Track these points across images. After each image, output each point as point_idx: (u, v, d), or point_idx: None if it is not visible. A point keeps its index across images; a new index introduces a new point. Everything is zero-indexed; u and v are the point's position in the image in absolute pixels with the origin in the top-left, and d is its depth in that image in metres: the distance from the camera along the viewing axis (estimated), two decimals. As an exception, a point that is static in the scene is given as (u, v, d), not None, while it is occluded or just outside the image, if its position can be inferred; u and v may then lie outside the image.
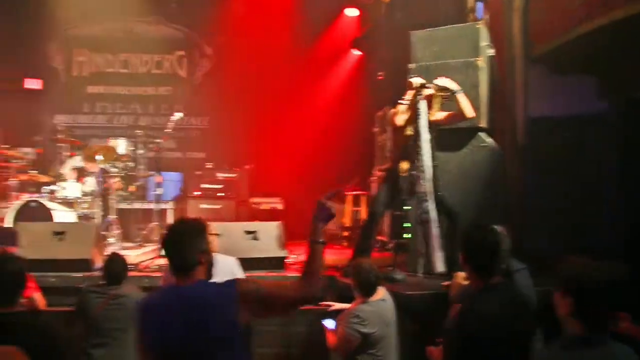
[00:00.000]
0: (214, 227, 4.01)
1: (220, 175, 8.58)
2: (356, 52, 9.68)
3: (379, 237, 6.53)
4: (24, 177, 7.48)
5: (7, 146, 7.34)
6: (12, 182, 7.29)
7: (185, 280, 2.14)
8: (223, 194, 8.28)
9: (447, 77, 4.60)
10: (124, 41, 9.82)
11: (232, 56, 9.46)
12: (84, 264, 4.84)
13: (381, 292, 3.53)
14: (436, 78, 4.60)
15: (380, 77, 8.24)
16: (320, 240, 2.15)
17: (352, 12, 9.66)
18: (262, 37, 9.09)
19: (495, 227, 2.57)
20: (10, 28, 9.11)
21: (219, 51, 9.90)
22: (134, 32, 9.84)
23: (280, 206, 8.65)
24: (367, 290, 3.47)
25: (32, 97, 9.52)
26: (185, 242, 2.16)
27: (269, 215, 8.14)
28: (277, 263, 5.27)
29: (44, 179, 7.52)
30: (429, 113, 4.50)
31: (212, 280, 2.23)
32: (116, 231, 7.10)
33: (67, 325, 3.89)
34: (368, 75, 9.11)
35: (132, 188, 7.85)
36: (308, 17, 9.22)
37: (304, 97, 9.13)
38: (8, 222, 6.32)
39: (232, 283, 2.14)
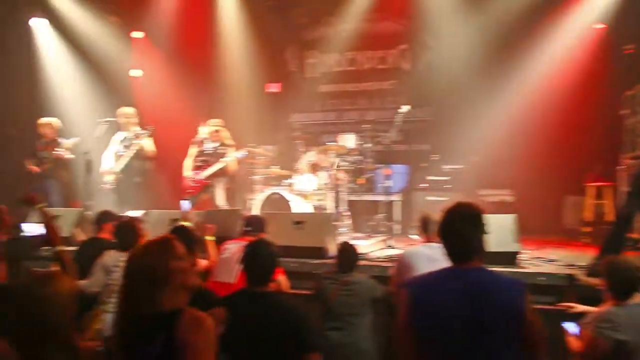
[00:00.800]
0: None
1: (446, 167, 8.42)
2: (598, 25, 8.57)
3: (631, 235, 5.71)
4: (267, 172, 8.31)
5: (252, 144, 8.20)
6: (257, 176, 8.15)
7: (465, 265, 2.09)
8: (449, 186, 8.11)
9: None
10: (350, 40, 10.23)
11: (454, 44, 9.16)
12: (320, 252, 5.13)
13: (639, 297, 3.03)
14: None
15: (628, 51, 7.20)
16: None
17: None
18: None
19: None
20: (257, 40, 10.21)
21: (442, 41, 9.66)
22: (359, 31, 10.19)
23: (510, 198, 8.15)
24: (623, 292, 3.00)
25: (272, 99, 10.55)
26: (467, 227, 2.11)
27: (498, 208, 7.72)
28: (508, 258, 4.94)
29: (283, 173, 8.25)
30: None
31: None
32: (347, 222, 7.45)
33: (306, 307, 4.16)
34: (613, 49, 8.01)
35: (360, 181, 8.15)
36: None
37: (536, 79, 8.35)
38: (255, 212, 7.10)
39: (521, 283, 2.11)
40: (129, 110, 7.31)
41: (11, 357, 1.28)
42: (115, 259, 3.71)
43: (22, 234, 3.45)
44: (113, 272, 3.63)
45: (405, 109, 6.51)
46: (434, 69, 9.67)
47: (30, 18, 9.37)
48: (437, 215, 3.87)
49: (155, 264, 2.01)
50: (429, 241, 3.86)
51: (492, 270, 2.14)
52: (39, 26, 9.50)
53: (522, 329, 2.02)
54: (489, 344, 2.00)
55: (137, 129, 7.21)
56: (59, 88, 8.97)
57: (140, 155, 7.12)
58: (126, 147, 7.12)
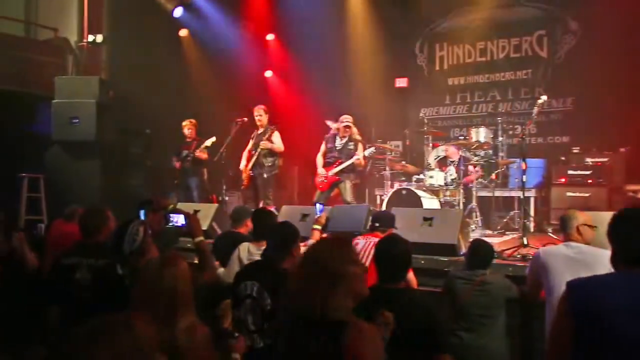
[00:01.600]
0: (589, 217, 3.66)
1: (590, 160, 7.80)
2: None
3: None
4: (395, 167, 8.31)
5: (381, 140, 8.24)
6: (386, 172, 8.18)
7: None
8: (592, 181, 7.51)
9: None
10: (482, 29, 9.86)
11: (600, 28, 8.43)
12: (450, 249, 5.01)
13: None
14: None
15: None
16: None
17: None
18: (634, 3, 7.84)
19: None
20: (384, 36, 10.23)
21: (586, 24, 8.95)
22: (492, 19, 9.78)
23: (664, 195, 7.37)
24: None
25: (400, 94, 10.50)
26: None
27: (650, 204, 7.02)
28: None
29: (412, 168, 8.19)
30: None
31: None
32: (477, 218, 7.22)
33: (436, 305, 4.11)
34: None
35: (492, 176, 7.86)
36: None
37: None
38: (384, 208, 7.14)
39: None
40: (260, 108, 7.61)
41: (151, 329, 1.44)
42: (249, 251, 3.91)
43: (169, 224, 3.78)
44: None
45: (543, 99, 6.12)
46: (575, 54, 9.00)
47: (179, 30, 10.21)
48: (578, 213, 3.66)
49: (336, 266, 1.98)
50: (568, 240, 3.63)
51: None
52: (184, 34, 10.33)
53: None
54: None
55: (268, 127, 7.52)
56: (198, 89, 9.65)
57: (270, 152, 7.43)
58: (256, 145, 7.47)
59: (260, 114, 7.55)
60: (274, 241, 3.17)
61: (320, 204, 4.90)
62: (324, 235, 4.92)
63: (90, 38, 8.82)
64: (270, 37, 11.30)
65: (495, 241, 6.21)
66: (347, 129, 7.17)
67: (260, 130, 7.55)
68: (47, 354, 3.13)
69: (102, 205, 4.15)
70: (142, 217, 3.71)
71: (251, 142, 7.60)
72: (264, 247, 3.53)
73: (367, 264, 3.75)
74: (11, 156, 7.78)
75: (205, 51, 10.08)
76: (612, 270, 3.19)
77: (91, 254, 3.28)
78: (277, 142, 7.44)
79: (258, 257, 3.51)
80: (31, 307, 3.41)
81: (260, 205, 7.00)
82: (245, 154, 7.62)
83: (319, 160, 7.38)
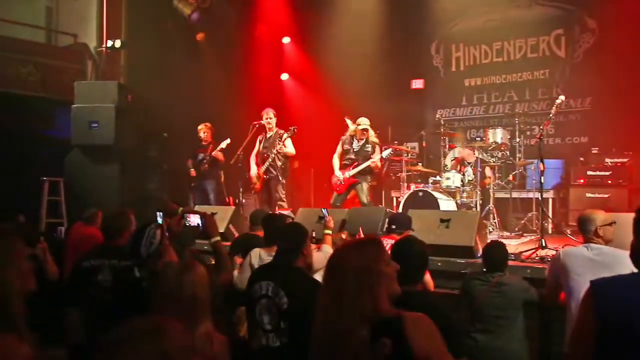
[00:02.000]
0: (609, 216, 3.63)
1: (609, 160, 7.70)
2: None
3: None
4: (412, 169, 8.29)
5: (397, 142, 8.23)
6: (402, 174, 8.16)
7: None
8: (612, 182, 7.42)
9: None
10: (498, 30, 9.81)
11: (619, 26, 8.32)
12: (467, 251, 4.99)
13: None
14: None
15: None
16: None
17: None
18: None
19: None
20: (400, 37, 10.22)
21: (604, 23, 8.83)
22: (509, 19, 9.72)
23: (687, 195, 7.25)
24: None
25: (416, 95, 10.47)
26: None
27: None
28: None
29: (428, 170, 8.17)
30: None
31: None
32: (494, 220, 7.18)
33: (453, 307, 4.09)
34: None
35: (510, 177, 7.81)
36: None
37: None
38: (400, 209, 7.12)
39: None
40: (270, 111, 7.60)
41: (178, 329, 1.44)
42: (260, 257, 3.92)
43: (186, 223, 3.82)
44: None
45: (561, 99, 6.07)
46: (594, 53, 8.90)
47: (196, 34, 10.31)
48: (597, 213, 3.62)
49: (371, 266, 1.96)
50: (588, 242, 3.59)
51: None
52: (201, 38, 10.42)
53: None
54: None
55: (281, 130, 7.51)
56: (215, 93, 9.72)
57: (282, 155, 7.43)
58: (266, 148, 7.48)
59: (270, 117, 7.54)
60: (285, 242, 3.20)
61: (324, 208, 4.89)
62: (344, 235, 4.93)
63: (109, 43, 8.94)
64: (286, 40, 11.35)
65: (513, 243, 6.18)
66: (364, 132, 7.17)
67: (270, 134, 7.54)
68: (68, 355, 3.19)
69: (122, 208, 4.20)
70: (160, 220, 3.76)
71: (258, 146, 7.58)
72: (274, 253, 3.56)
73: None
74: (32, 160, 7.92)
75: (222, 55, 10.15)
76: (634, 269, 3.16)
77: (114, 255, 3.33)
78: (290, 145, 7.44)
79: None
80: (52, 309, 3.47)
81: (276, 209, 7.02)
82: (253, 158, 7.61)
83: (336, 161, 7.39)
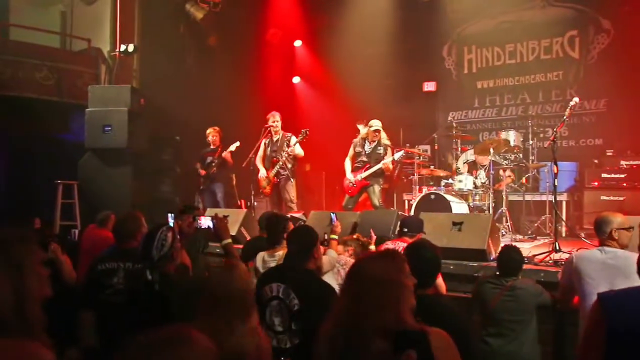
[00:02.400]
0: (626, 220, 3.58)
1: (624, 163, 7.61)
2: None
3: None
4: (424, 171, 8.25)
5: (408, 145, 8.20)
6: (414, 176, 8.13)
7: None
8: (627, 184, 7.33)
9: None
10: (511, 31, 9.75)
11: (634, 27, 8.23)
12: (480, 254, 4.95)
13: None
14: None
15: None
16: None
17: None
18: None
19: None
20: (412, 39, 10.20)
21: (619, 23, 8.74)
22: (521, 21, 9.65)
23: None
24: None
25: (428, 98, 10.44)
26: None
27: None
28: None
29: (441, 173, 8.12)
30: None
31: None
32: (507, 223, 7.12)
33: (465, 311, 4.07)
34: None
35: (523, 179, 7.74)
36: None
37: None
38: (412, 212, 7.09)
39: None
40: (276, 115, 7.56)
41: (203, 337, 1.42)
42: (264, 260, 3.87)
43: (197, 226, 3.82)
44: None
45: (575, 101, 6.02)
46: (608, 55, 8.81)
47: (208, 38, 10.36)
48: (613, 216, 3.58)
49: (395, 278, 1.96)
50: (603, 245, 3.55)
51: None
52: (213, 42, 10.47)
53: None
54: None
55: (288, 133, 7.48)
56: (226, 96, 9.75)
57: (292, 158, 7.41)
58: (275, 151, 7.47)
59: (276, 120, 7.52)
60: (296, 245, 3.19)
61: (333, 213, 4.86)
62: (356, 236, 4.90)
63: (122, 48, 9.01)
64: (297, 43, 11.38)
65: (526, 246, 6.13)
66: (376, 134, 7.15)
67: (277, 137, 7.50)
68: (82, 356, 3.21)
69: (135, 210, 4.22)
70: (171, 223, 3.77)
71: (264, 149, 7.54)
72: (277, 253, 3.55)
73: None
74: (47, 163, 8.00)
75: (233, 58, 10.19)
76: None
77: (128, 258, 3.35)
78: (298, 147, 7.41)
79: (273, 264, 3.54)
80: (66, 312, 3.49)
81: (289, 214, 7.00)
82: (259, 162, 7.57)
83: (347, 164, 7.37)
